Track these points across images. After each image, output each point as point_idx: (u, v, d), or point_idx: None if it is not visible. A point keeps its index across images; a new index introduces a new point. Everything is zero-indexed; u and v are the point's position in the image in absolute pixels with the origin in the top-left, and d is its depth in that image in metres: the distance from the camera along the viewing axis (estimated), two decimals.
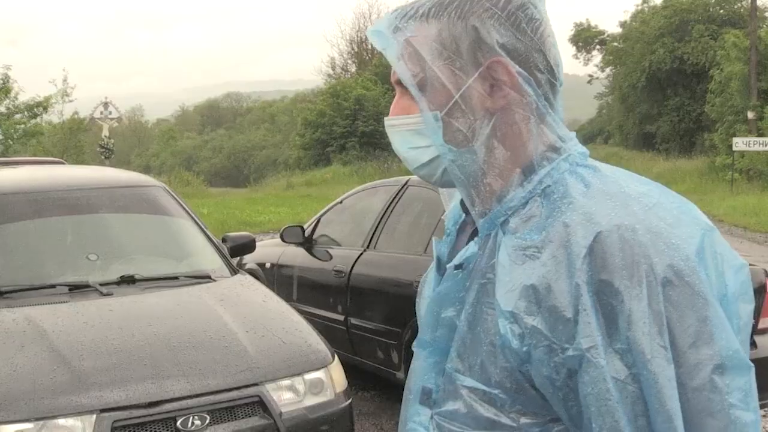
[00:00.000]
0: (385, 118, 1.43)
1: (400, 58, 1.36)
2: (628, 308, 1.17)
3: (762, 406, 6.00)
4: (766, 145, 28.70)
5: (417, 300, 1.56)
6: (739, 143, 29.47)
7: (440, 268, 1.47)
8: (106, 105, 30.89)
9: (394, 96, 1.44)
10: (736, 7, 46.76)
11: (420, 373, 1.43)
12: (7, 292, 4.59)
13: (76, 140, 35.82)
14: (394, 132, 1.42)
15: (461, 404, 1.33)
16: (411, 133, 1.39)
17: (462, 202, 1.48)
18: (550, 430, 1.27)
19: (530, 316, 1.23)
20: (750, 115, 32.60)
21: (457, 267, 1.37)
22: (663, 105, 47.08)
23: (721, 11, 47.11)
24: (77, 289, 4.68)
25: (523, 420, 1.28)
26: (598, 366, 1.19)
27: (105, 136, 30.46)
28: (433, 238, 1.54)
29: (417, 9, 1.37)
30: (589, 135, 73.81)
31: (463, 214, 1.50)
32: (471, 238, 1.42)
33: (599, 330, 1.19)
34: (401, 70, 1.36)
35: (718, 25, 44.51)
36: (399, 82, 1.39)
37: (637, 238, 1.20)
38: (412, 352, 1.49)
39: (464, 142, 1.34)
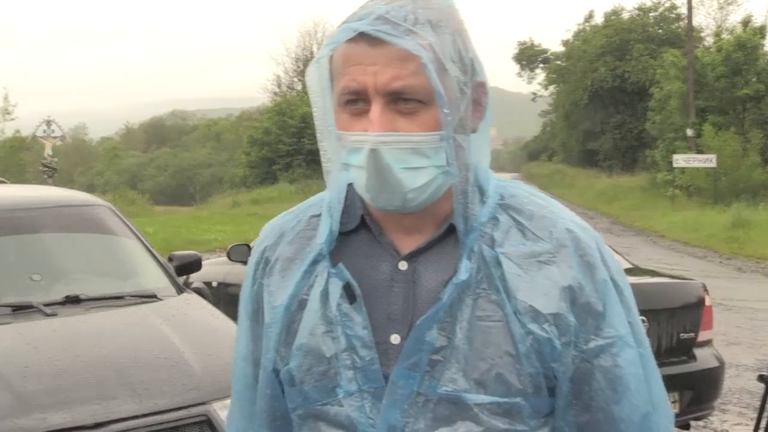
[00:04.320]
0: (376, 134, 1.28)
1: (430, 66, 1.26)
2: (629, 298, 1.40)
3: (702, 417, 6.13)
4: (704, 162, 29.32)
5: (304, 341, 1.41)
6: (679, 160, 30.10)
7: (351, 294, 1.37)
8: (48, 123, 30.38)
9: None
10: (674, 27, 47.93)
11: (382, 416, 1.34)
12: None
13: (18, 159, 35.27)
14: (386, 150, 1.28)
15: (472, 424, 1.31)
16: (407, 152, 1.29)
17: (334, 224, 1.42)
18: (548, 425, 1.38)
19: (569, 314, 1.33)
20: (689, 132, 33.30)
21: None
22: (605, 122, 47.91)
23: (660, 31, 48.23)
24: (20, 309, 4.60)
25: (533, 422, 1.35)
26: (633, 347, 1.38)
27: (48, 155, 29.94)
28: (336, 267, 1.39)
29: (416, 16, 1.29)
30: (534, 152, 74.81)
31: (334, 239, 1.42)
32: (383, 259, 1.38)
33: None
34: (435, 81, 1.27)
35: (657, 45, 45.53)
36: (392, 93, 1.28)
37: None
38: None
39: (459, 162, 1.33)
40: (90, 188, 56.04)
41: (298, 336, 1.40)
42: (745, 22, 37.18)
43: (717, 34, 38.78)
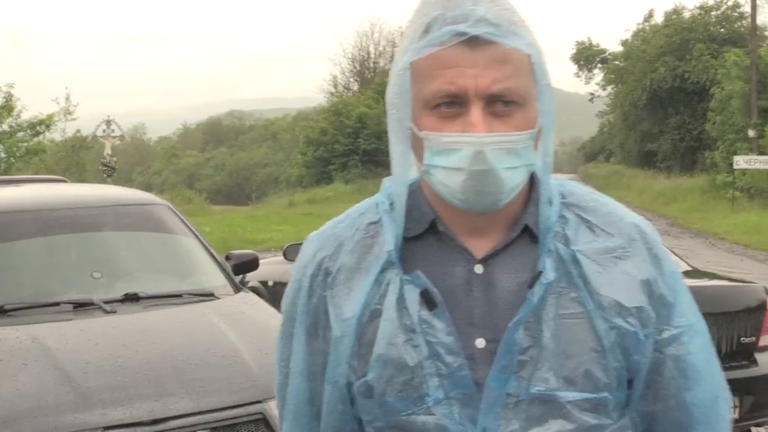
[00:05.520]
0: (481, 135, 1.27)
1: (539, 64, 1.31)
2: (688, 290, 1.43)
3: (763, 424, 6.00)
4: (767, 164, 28.71)
5: (396, 355, 1.35)
6: (740, 161, 29.48)
7: (430, 301, 1.34)
8: (108, 123, 30.89)
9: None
10: (736, 26, 46.92)
11: (480, 421, 1.32)
12: (11, 310, 4.60)
13: (79, 158, 35.85)
14: (490, 151, 1.27)
15: (564, 421, 1.31)
16: (505, 153, 1.28)
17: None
18: (626, 416, 1.38)
19: (649, 307, 1.35)
20: (751, 133, 32.60)
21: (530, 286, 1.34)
22: (664, 123, 47.13)
23: (722, 30, 47.26)
24: (81, 306, 4.68)
25: (615, 415, 1.36)
26: (702, 334, 1.42)
27: (107, 154, 30.45)
28: (411, 274, 1.36)
29: (506, 16, 1.29)
30: (591, 153, 73.97)
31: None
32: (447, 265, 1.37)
33: None
34: (543, 79, 1.32)
35: (718, 44, 44.58)
36: (492, 96, 1.28)
37: None
38: None
39: (545, 162, 1.36)
40: (148, 187, 56.85)
41: (376, 346, 1.35)
42: None
43: None
